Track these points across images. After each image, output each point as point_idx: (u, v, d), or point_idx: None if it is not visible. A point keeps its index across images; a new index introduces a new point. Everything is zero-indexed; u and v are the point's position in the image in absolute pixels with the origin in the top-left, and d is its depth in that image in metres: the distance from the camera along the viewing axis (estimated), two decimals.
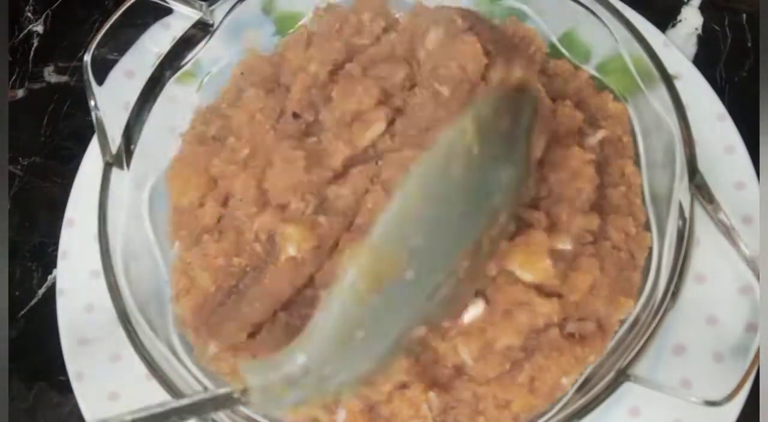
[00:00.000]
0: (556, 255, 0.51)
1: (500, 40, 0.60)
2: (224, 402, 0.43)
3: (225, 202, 0.59)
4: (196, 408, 0.43)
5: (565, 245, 0.53)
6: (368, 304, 0.41)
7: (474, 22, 0.61)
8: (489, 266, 0.49)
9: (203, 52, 0.63)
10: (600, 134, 0.58)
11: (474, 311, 0.51)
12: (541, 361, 0.51)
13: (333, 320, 0.41)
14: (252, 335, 0.54)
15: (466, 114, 0.42)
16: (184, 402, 0.43)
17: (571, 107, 0.57)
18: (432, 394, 0.51)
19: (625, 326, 0.54)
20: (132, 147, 0.60)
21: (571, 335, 0.52)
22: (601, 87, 0.62)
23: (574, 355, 0.51)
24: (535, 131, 0.47)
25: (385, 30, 0.62)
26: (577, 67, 0.63)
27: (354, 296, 0.40)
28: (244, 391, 0.42)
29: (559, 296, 0.52)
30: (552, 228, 0.53)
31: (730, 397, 0.48)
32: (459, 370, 0.52)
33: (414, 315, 0.44)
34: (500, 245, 0.48)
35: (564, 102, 0.58)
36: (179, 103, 0.64)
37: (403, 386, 0.52)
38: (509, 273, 0.52)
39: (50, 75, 0.80)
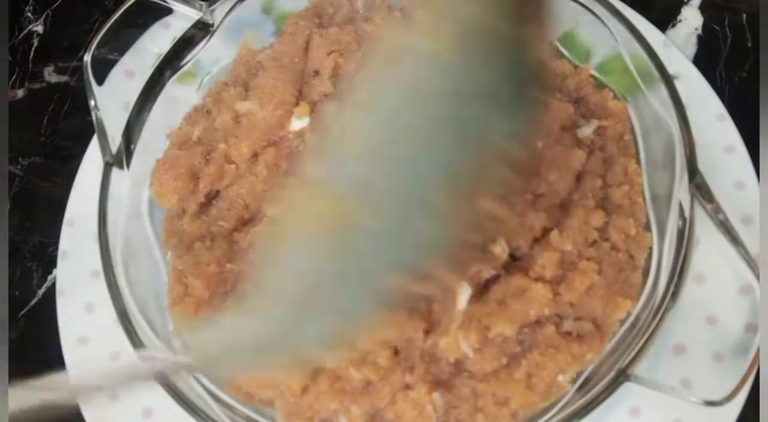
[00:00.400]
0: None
1: None
2: (177, 370, 0.37)
3: (208, 206, 0.59)
4: (143, 375, 0.36)
5: (565, 246, 0.53)
6: (324, 258, 0.32)
7: None
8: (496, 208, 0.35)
9: (203, 52, 0.63)
10: (593, 124, 0.58)
11: (463, 297, 0.51)
12: (538, 358, 0.51)
13: (283, 279, 0.33)
14: None
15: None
16: (128, 369, 0.37)
17: (562, 99, 0.57)
18: (436, 395, 0.51)
19: (625, 326, 0.54)
20: (132, 147, 0.60)
21: (568, 334, 0.52)
22: (601, 86, 0.62)
23: (570, 353, 0.51)
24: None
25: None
26: (576, 67, 0.63)
27: (306, 251, 0.32)
28: (197, 362, 0.35)
29: (556, 294, 0.52)
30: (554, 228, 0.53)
31: (730, 397, 0.48)
32: (459, 366, 0.52)
33: (386, 265, 0.34)
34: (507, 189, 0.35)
35: (554, 95, 0.58)
36: (179, 103, 0.64)
37: (407, 387, 0.52)
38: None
39: (50, 75, 0.80)
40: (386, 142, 0.30)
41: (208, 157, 0.58)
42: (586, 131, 0.57)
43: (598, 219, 0.54)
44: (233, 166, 0.57)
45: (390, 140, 0.30)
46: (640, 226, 0.57)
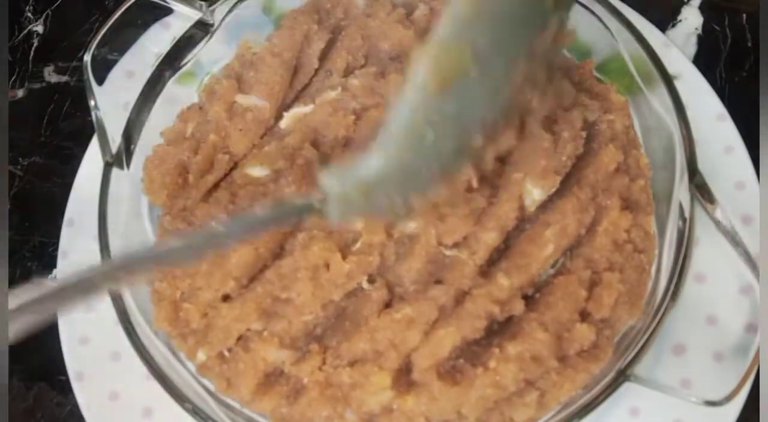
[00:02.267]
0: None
1: None
2: (304, 210, 0.43)
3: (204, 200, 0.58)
4: (275, 218, 0.44)
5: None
6: (436, 102, 0.40)
7: None
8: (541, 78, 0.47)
9: (203, 52, 0.63)
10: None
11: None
12: (555, 377, 0.50)
13: (404, 121, 0.41)
14: (240, 338, 0.53)
15: None
16: (261, 215, 0.44)
17: (563, 79, 0.56)
18: None
19: (626, 326, 0.54)
20: (132, 147, 0.60)
21: (584, 350, 0.51)
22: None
23: (588, 372, 0.50)
24: None
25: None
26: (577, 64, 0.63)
27: (423, 94, 0.40)
28: (323, 200, 0.42)
29: (587, 315, 0.51)
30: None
31: (730, 397, 0.48)
32: None
33: (477, 118, 0.44)
34: (548, 59, 0.47)
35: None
36: (179, 103, 0.63)
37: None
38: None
39: (50, 75, 0.80)
40: (490, 18, 0.40)
41: (197, 151, 0.58)
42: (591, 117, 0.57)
43: (626, 221, 0.53)
44: (226, 157, 0.57)
45: (492, 17, 0.40)
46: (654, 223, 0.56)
